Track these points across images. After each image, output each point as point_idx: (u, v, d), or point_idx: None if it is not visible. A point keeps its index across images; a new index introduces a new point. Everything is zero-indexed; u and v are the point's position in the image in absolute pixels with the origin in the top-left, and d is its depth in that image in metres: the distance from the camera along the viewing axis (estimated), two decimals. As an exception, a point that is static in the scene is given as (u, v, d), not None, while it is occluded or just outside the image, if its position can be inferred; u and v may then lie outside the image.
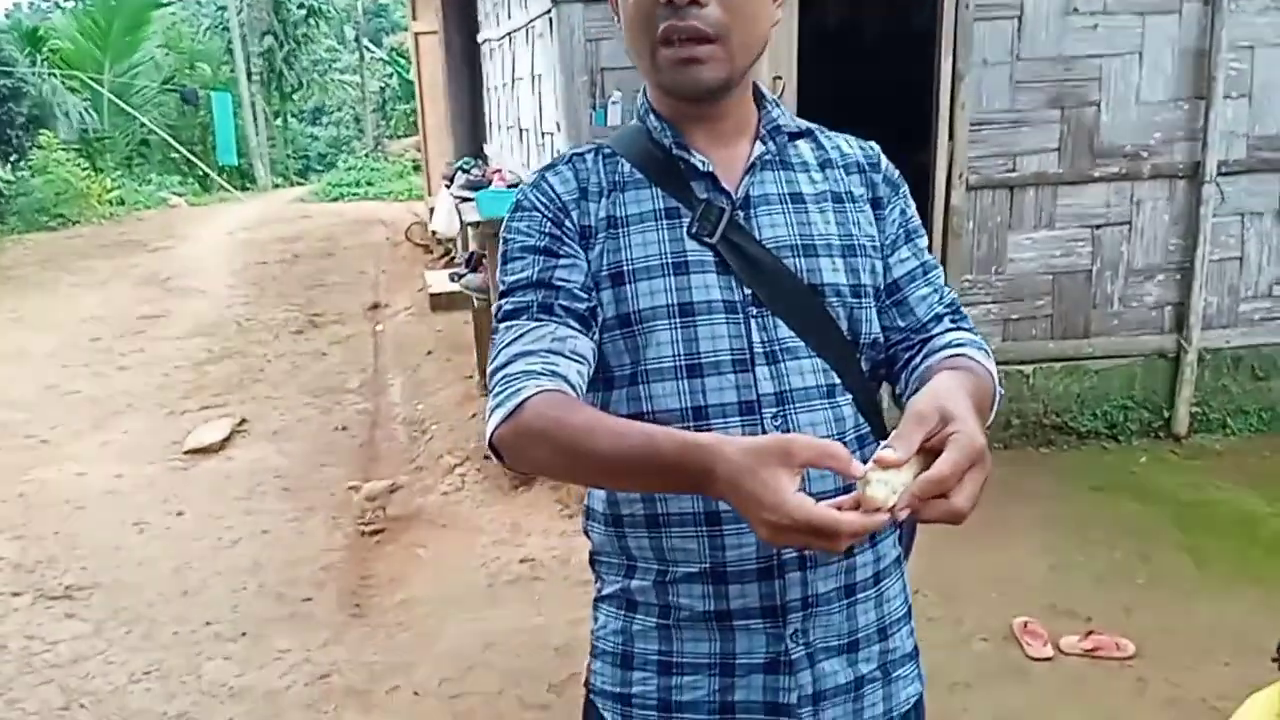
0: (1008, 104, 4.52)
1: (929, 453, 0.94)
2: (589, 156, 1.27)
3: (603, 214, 1.22)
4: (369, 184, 17.66)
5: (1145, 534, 3.95)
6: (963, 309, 1.32)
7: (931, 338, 1.27)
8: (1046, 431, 4.82)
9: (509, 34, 6.03)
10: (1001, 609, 3.43)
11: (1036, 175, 4.60)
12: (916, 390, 1.09)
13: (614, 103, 4.30)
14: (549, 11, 4.34)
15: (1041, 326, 4.77)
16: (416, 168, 17.62)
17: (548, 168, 1.28)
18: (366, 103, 26.29)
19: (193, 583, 4.01)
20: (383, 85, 27.07)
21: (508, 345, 1.17)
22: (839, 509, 0.90)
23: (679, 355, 1.18)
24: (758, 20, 1.18)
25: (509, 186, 5.08)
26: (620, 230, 1.21)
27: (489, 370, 1.18)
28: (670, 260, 1.19)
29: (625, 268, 1.20)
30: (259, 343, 7.71)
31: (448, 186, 6.40)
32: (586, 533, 1.34)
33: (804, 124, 1.32)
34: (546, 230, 1.21)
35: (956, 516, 0.93)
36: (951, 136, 4.51)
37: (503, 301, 1.22)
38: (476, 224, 4.90)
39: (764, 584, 1.19)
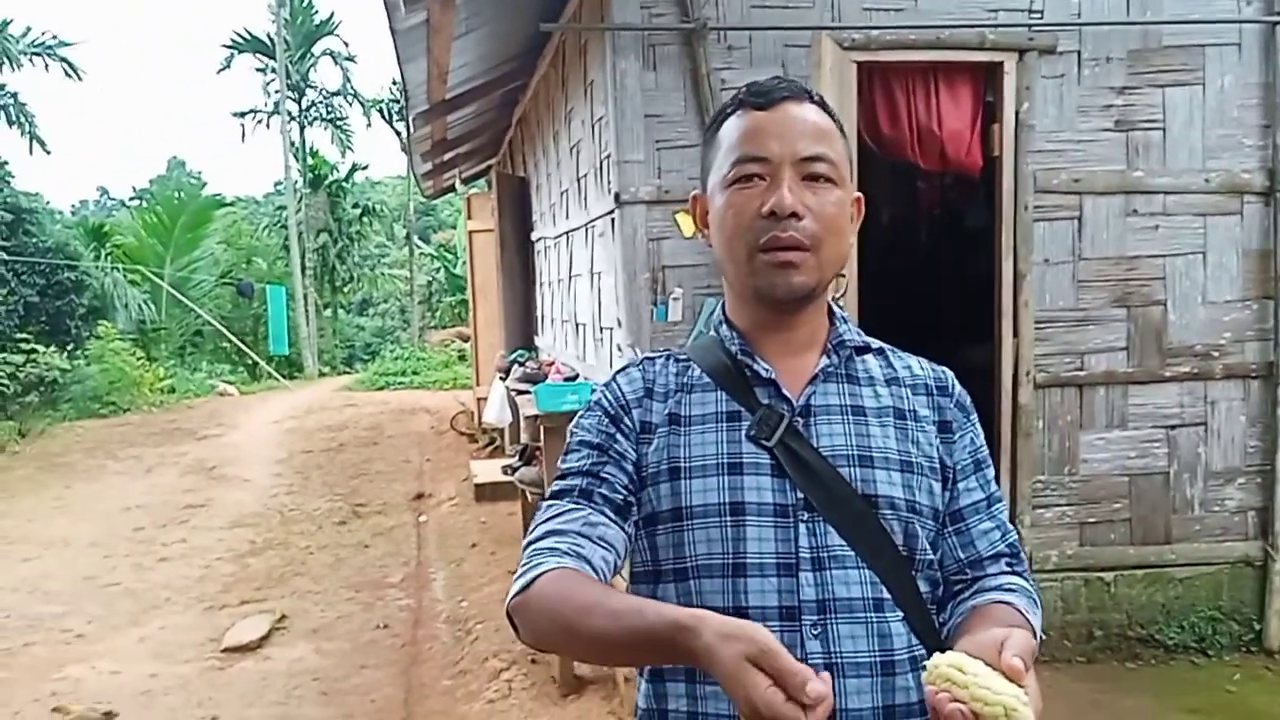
0: (1072, 303, 4.47)
1: None
2: (659, 361, 1.32)
3: (667, 412, 1.26)
4: (414, 373, 17.93)
5: (1256, 763, 3.62)
6: (1021, 552, 1.31)
7: (985, 577, 1.27)
8: (1131, 644, 4.51)
9: (567, 233, 6.17)
10: None
11: (1106, 374, 4.49)
12: (957, 626, 1.18)
13: (675, 299, 4.31)
14: (612, 212, 4.42)
15: (1120, 531, 4.55)
16: (461, 357, 17.91)
17: (620, 370, 1.33)
18: (414, 295, 27.11)
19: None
20: (429, 279, 27.99)
21: (544, 523, 1.22)
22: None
23: (726, 554, 1.18)
24: (843, 236, 1.25)
25: (566, 380, 5.05)
26: (682, 428, 1.24)
27: (524, 543, 1.21)
28: (726, 460, 1.21)
29: (682, 464, 1.22)
30: (302, 534, 7.59)
31: (503, 378, 6.41)
32: None
33: (874, 342, 1.34)
34: (605, 428, 1.27)
35: None
36: (1016, 334, 4.44)
37: (554, 485, 1.28)
38: (534, 417, 4.84)
39: None
